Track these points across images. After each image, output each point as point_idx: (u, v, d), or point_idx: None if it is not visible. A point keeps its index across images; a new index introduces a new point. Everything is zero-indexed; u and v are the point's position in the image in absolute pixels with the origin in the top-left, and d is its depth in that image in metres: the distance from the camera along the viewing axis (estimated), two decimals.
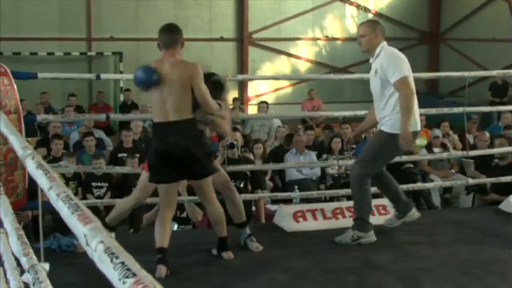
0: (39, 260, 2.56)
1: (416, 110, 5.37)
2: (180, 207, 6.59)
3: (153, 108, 4.89)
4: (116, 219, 5.41)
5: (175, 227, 6.82)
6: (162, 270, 4.65)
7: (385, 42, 5.45)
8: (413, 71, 5.52)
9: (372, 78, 5.53)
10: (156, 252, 4.73)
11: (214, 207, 5.07)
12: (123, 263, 1.33)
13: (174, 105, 4.68)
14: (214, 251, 5.20)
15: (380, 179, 5.75)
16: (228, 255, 5.13)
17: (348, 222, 6.17)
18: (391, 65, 5.28)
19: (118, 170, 7.41)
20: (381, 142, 5.43)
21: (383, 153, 5.47)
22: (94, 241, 1.46)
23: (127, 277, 1.28)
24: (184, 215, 6.89)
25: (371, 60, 5.53)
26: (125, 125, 10.58)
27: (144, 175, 5.18)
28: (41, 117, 6.81)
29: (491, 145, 9.02)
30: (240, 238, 5.45)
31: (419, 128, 5.48)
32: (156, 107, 4.78)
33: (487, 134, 9.68)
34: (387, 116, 5.33)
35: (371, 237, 5.50)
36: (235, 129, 7.61)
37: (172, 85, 4.68)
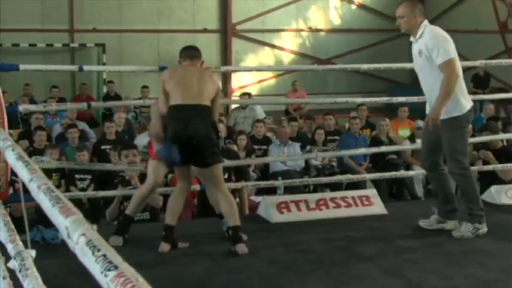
0: (26, 247, 2.54)
1: (465, 90, 5.40)
2: None
3: (173, 93, 5.08)
4: (136, 209, 5.49)
5: None
6: (164, 246, 5.08)
7: (426, 21, 5.41)
8: (397, 62, 5.52)
9: (416, 59, 5.51)
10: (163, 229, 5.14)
11: (225, 196, 5.14)
12: (105, 255, 1.31)
13: (197, 91, 5.04)
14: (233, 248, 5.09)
15: (437, 178, 5.75)
16: (241, 248, 5.01)
17: (332, 213, 6.19)
18: (437, 45, 5.25)
19: (111, 167, 7.34)
20: (451, 132, 5.36)
21: (459, 139, 5.40)
22: (76, 234, 1.44)
23: (109, 270, 1.27)
24: None
25: (412, 39, 5.50)
26: (108, 117, 10.53)
27: (152, 162, 5.36)
28: (22, 107, 6.73)
29: (473, 137, 9.09)
30: (223, 228, 5.45)
31: (470, 105, 5.44)
32: (178, 90, 5.06)
33: (470, 125, 9.74)
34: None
35: (485, 227, 5.47)
36: (219, 121, 7.59)
37: (194, 76, 5.13)
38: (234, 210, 5.14)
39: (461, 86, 5.37)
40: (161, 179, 5.53)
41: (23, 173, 2.06)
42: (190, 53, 5.45)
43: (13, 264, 2.48)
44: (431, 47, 5.26)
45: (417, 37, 5.40)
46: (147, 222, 6.43)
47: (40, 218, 5.97)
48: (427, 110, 5.58)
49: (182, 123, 4.91)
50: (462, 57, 17.06)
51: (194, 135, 4.88)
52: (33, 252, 2.57)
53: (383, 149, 7.83)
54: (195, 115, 4.95)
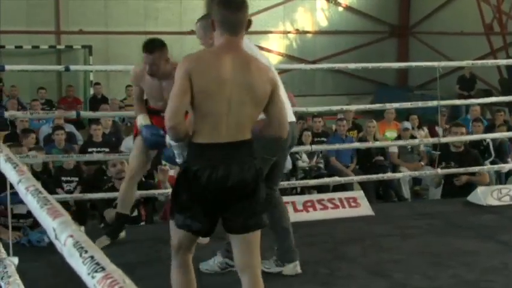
0: (8, 255, 2.53)
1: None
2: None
3: (199, 123, 3.14)
4: (123, 204, 5.20)
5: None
6: None
7: None
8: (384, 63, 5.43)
9: None
10: None
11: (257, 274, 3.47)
12: (92, 257, 1.32)
13: (239, 122, 3.14)
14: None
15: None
16: None
17: (318, 214, 6.20)
18: None
19: (89, 158, 7.41)
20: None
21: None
22: (63, 235, 1.45)
23: (96, 271, 1.28)
24: (135, 213, 6.72)
25: None
26: (94, 119, 10.50)
27: (138, 140, 5.00)
28: (8, 113, 6.71)
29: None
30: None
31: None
32: (208, 121, 3.12)
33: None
34: None
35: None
36: None
37: (240, 94, 3.12)
38: None
39: None
40: (142, 165, 5.11)
41: (12, 175, 2.06)
42: (234, 16, 3.15)
43: None
44: None
45: None
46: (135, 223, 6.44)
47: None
48: None
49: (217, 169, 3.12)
50: (448, 59, 17.18)
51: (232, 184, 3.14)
52: (15, 260, 2.56)
53: (370, 150, 7.80)
54: (234, 158, 3.16)
